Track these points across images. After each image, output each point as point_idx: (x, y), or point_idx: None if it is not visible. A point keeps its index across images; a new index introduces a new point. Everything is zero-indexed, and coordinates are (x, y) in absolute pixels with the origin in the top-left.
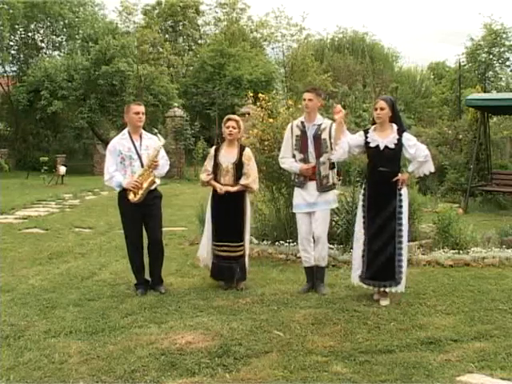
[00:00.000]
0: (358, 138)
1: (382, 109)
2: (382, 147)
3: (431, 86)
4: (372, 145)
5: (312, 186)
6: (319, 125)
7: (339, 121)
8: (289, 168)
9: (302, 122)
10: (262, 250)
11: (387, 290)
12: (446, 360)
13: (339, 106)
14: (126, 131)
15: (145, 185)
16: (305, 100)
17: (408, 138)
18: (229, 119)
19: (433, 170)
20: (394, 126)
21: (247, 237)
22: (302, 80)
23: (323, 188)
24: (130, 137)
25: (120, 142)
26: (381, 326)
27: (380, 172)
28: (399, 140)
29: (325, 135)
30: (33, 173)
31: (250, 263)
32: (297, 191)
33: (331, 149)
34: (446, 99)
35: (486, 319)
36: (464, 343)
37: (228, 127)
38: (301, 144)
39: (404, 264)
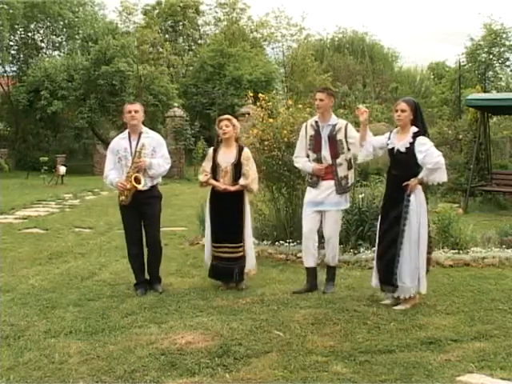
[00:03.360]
0: (383, 139)
1: (402, 111)
2: (395, 150)
3: (431, 86)
4: (389, 147)
5: (325, 185)
6: (334, 125)
7: (364, 122)
8: (302, 167)
9: (316, 122)
10: (262, 249)
11: (395, 295)
12: (445, 360)
13: (363, 107)
14: (126, 131)
15: (128, 185)
16: (316, 100)
17: (421, 143)
18: (220, 120)
19: (445, 179)
20: (412, 130)
21: (250, 237)
22: (301, 80)
23: (342, 189)
24: (129, 137)
25: (118, 142)
26: (381, 326)
27: (393, 175)
28: (411, 144)
29: (340, 136)
30: (33, 173)
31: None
32: (308, 189)
33: (348, 149)
34: (445, 99)
35: (486, 319)
36: (464, 343)
37: (221, 127)
38: (314, 144)
39: (403, 270)
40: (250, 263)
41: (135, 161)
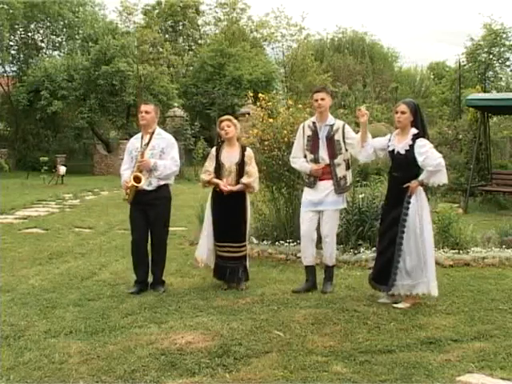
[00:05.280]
0: (384, 141)
1: (402, 113)
2: (395, 152)
3: (431, 86)
4: (390, 149)
5: (322, 185)
6: (331, 125)
7: (365, 124)
8: (299, 168)
9: (314, 123)
10: (262, 250)
11: (389, 293)
12: (445, 360)
13: (364, 109)
14: (141, 132)
15: (128, 184)
16: (317, 100)
17: (420, 145)
18: (221, 121)
19: (445, 181)
20: (412, 131)
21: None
22: (301, 80)
23: (341, 189)
24: (142, 137)
25: (133, 142)
26: (381, 326)
27: (393, 177)
28: (411, 146)
29: (338, 136)
30: (33, 173)
31: (250, 263)
32: (306, 190)
33: (346, 150)
34: (445, 99)
35: (486, 319)
36: (464, 343)
37: (223, 128)
38: (312, 144)
39: (402, 270)
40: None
41: (138, 160)
